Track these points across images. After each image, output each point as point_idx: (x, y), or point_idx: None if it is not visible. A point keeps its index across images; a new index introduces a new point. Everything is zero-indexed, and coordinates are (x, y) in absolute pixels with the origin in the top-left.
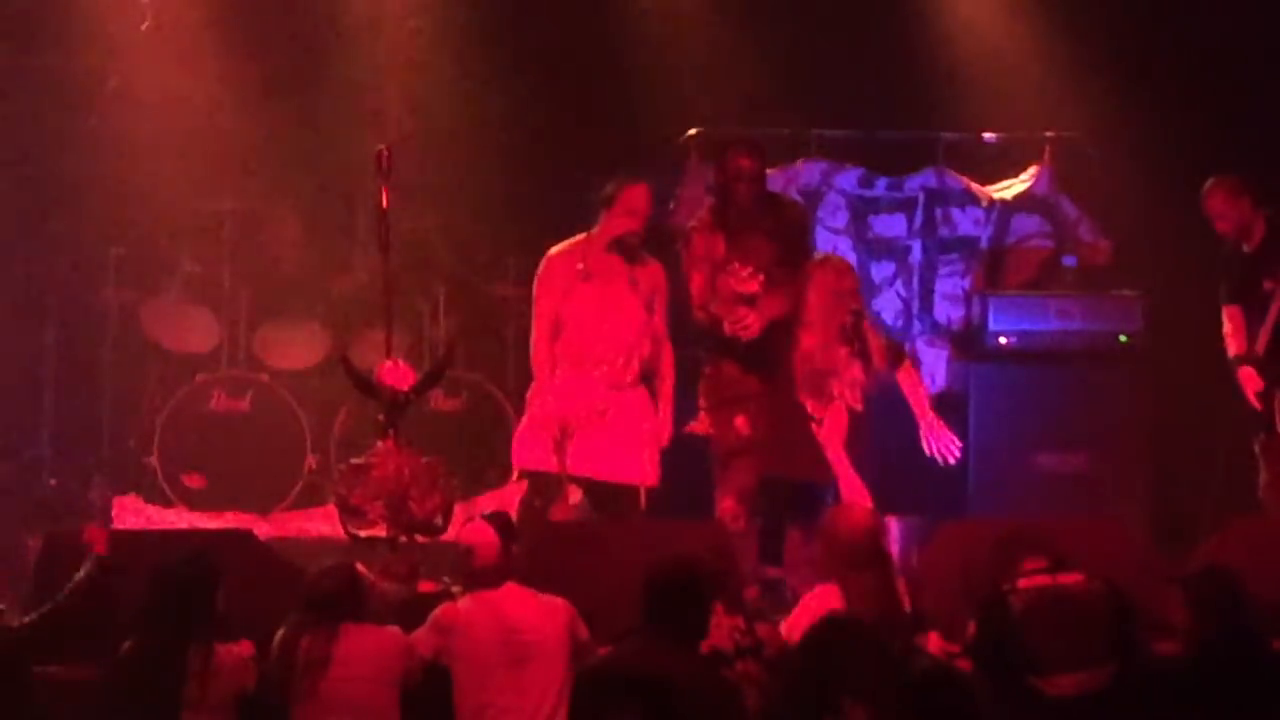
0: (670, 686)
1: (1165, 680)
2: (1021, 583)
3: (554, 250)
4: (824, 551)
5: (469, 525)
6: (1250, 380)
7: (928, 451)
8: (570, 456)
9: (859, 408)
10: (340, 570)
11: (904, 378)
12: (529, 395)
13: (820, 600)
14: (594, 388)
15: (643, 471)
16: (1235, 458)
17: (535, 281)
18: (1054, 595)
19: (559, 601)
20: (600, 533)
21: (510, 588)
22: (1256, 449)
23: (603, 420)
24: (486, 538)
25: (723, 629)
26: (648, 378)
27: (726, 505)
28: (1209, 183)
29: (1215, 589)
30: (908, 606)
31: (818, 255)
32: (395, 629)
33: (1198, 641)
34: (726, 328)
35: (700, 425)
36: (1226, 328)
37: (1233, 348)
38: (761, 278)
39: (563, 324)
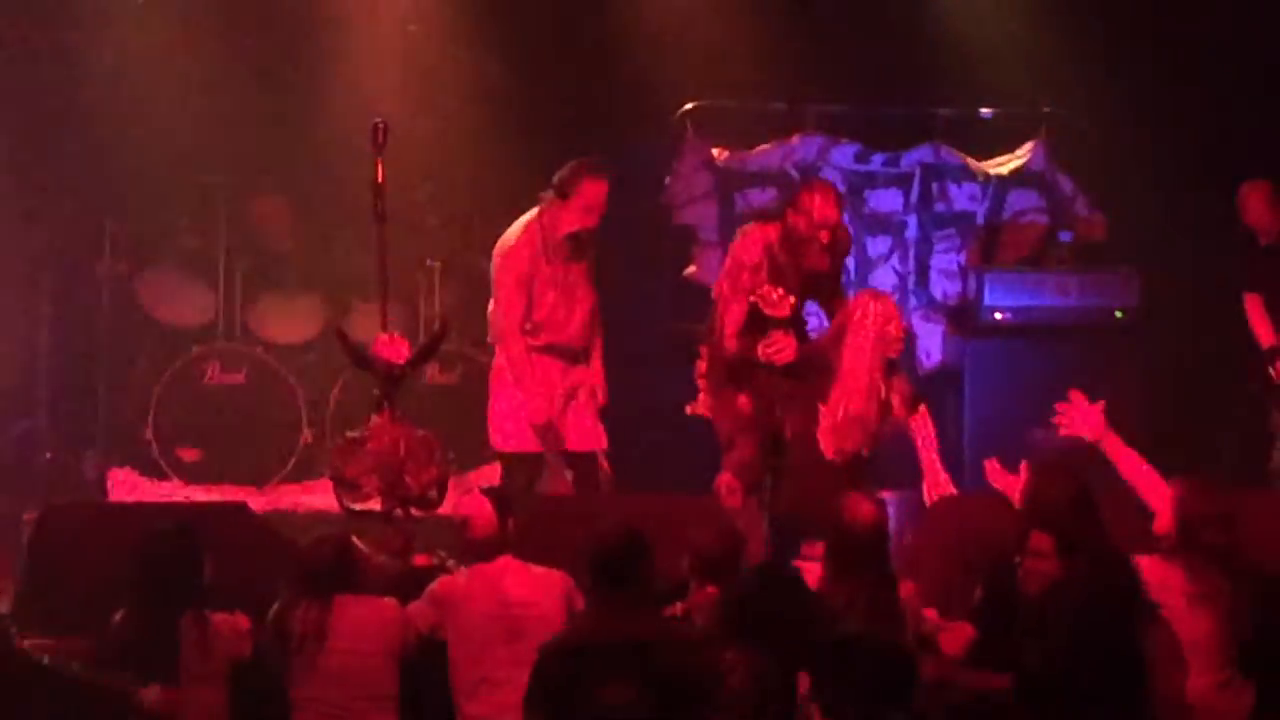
0: (650, 649)
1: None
2: (1029, 562)
3: (510, 240)
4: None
5: (467, 497)
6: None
7: (925, 499)
8: (555, 436)
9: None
10: (332, 542)
11: (918, 424)
12: (494, 376)
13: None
14: (556, 369)
15: (599, 437)
16: (1230, 432)
17: (503, 272)
18: (1054, 582)
19: (556, 574)
20: (606, 506)
21: (507, 561)
22: (1273, 426)
23: (575, 399)
24: (484, 510)
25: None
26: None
27: (724, 479)
28: (1245, 186)
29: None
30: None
31: (864, 292)
32: (391, 601)
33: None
34: (760, 352)
35: (700, 407)
36: (1251, 317)
37: (1264, 338)
38: (792, 300)
39: (534, 329)
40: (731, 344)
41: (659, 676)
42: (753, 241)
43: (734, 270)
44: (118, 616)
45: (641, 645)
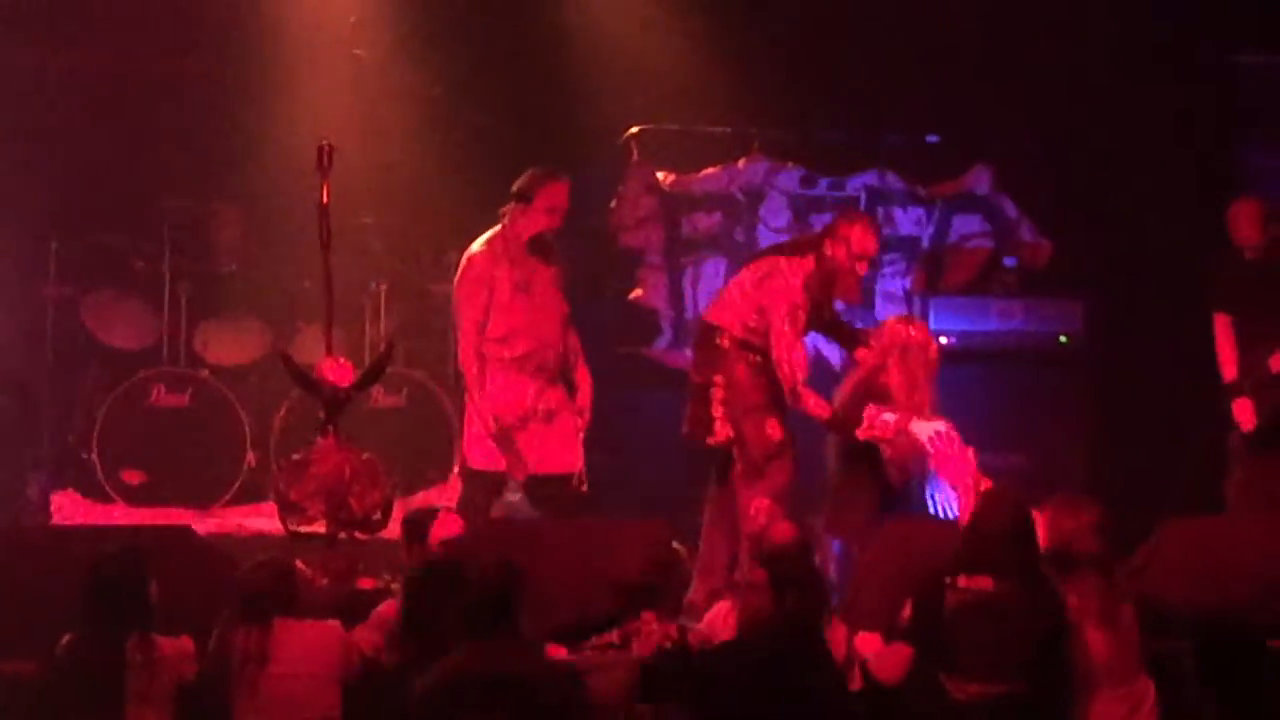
0: (522, 684)
1: None
2: (962, 581)
3: (474, 251)
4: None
5: (440, 519)
6: (1245, 413)
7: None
8: (521, 455)
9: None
10: (272, 565)
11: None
12: (467, 395)
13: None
14: (532, 386)
15: (577, 459)
16: (1174, 459)
17: (459, 283)
18: (985, 603)
19: None
20: (540, 531)
21: None
22: (1229, 447)
23: (551, 421)
24: (457, 532)
25: (653, 636)
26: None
27: (761, 504)
28: (1234, 203)
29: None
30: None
31: (897, 320)
32: (334, 623)
33: None
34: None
35: (717, 437)
36: (1218, 340)
37: (1227, 372)
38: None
39: (494, 325)
40: (804, 390)
41: (531, 713)
42: (797, 280)
43: (792, 313)
44: (65, 639)
45: (515, 680)
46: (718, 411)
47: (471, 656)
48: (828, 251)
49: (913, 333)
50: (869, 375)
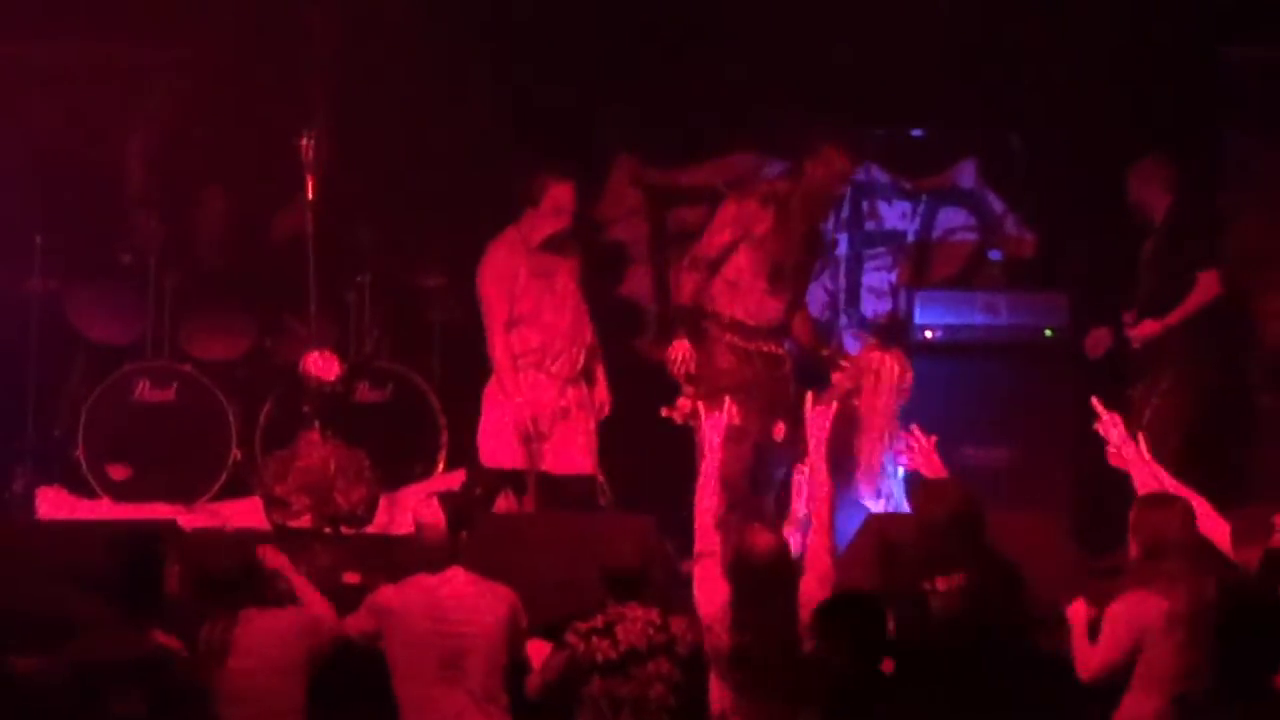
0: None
1: None
2: (940, 583)
3: (495, 245)
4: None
5: (421, 503)
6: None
7: None
8: (542, 454)
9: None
10: (233, 550)
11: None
12: (487, 392)
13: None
14: (553, 385)
15: (590, 461)
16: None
17: (482, 277)
18: (967, 599)
19: (502, 590)
20: (535, 524)
21: (453, 573)
22: None
23: (567, 419)
24: (434, 519)
25: (636, 624)
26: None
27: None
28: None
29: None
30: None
31: (873, 346)
32: (294, 609)
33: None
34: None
35: (680, 413)
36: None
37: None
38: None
39: (515, 324)
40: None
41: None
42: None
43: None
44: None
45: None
46: (687, 389)
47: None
48: (808, 171)
49: (890, 362)
50: (841, 398)
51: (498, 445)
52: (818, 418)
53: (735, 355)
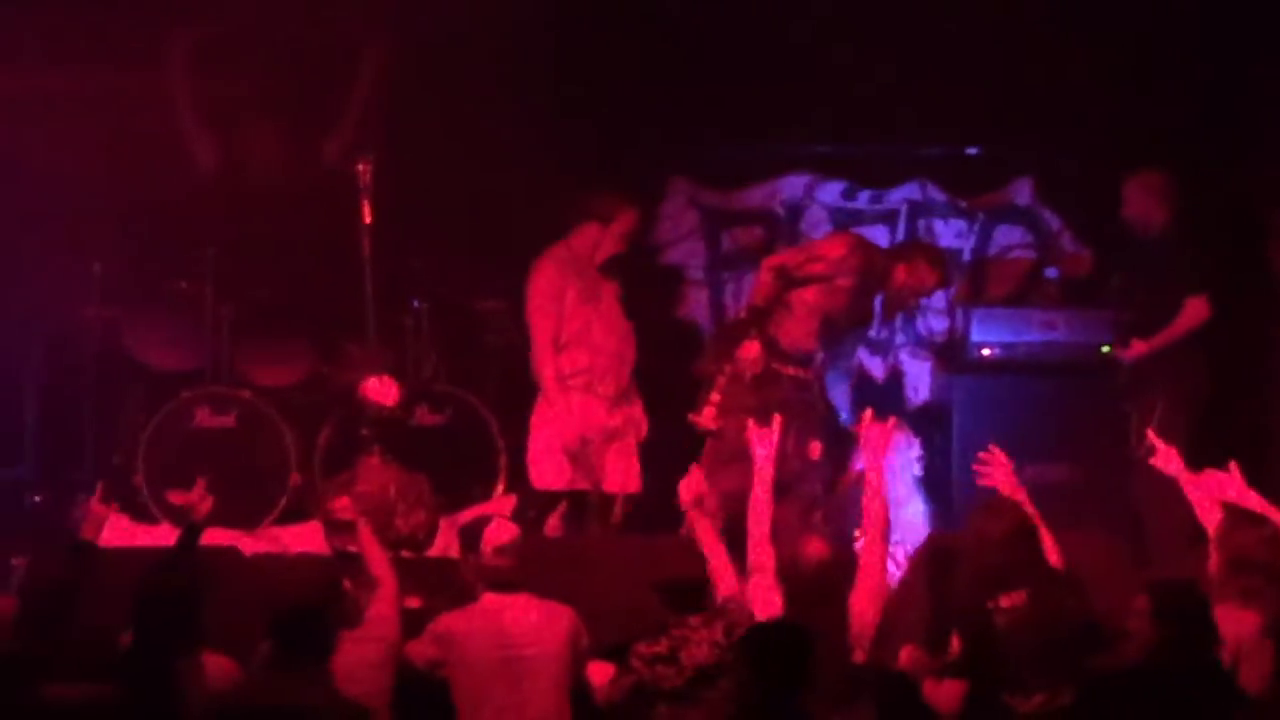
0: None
1: (1122, 695)
2: (1004, 601)
3: (544, 262)
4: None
5: (495, 524)
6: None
7: None
8: (593, 473)
9: None
10: (321, 577)
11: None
12: (535, 413)
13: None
14: (603, 406)
15: (635, 479)
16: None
17: (532, 294)
18: (1033, 615)
19: (564, 611)
20: (586, 547)
21: (517, 596)
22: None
23: (617, 439)
24: (513, 539)
25: (702, 647)
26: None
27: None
28: (1141, 172)
29: (1182, 600)
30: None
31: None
32: (383, 639)
33: (1155, 651)
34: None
35: (705, 420)
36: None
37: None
38: None
39: (565, 343)
40: None
41: None
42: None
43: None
44: (120, 659)
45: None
46: (714, 398)
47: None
48: (895, 273)
49: (893, 438)
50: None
51: (547, 467)
52: (874, 435)
53: (773, 377)
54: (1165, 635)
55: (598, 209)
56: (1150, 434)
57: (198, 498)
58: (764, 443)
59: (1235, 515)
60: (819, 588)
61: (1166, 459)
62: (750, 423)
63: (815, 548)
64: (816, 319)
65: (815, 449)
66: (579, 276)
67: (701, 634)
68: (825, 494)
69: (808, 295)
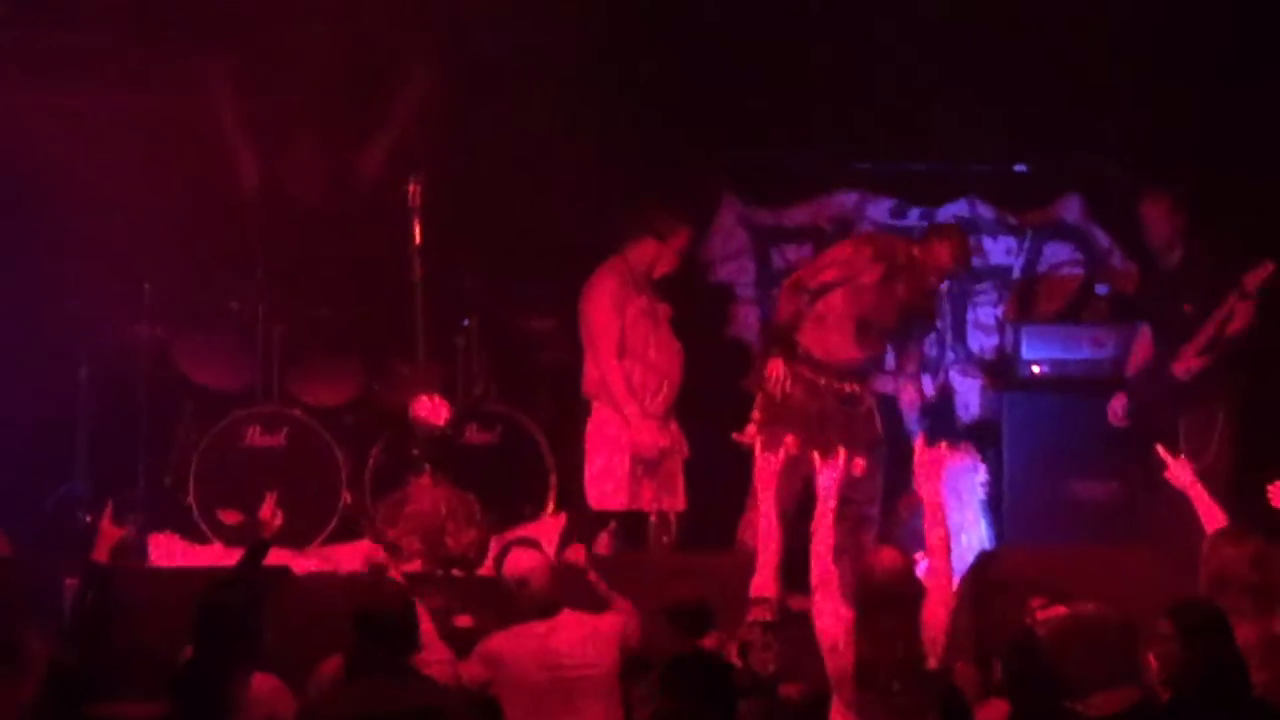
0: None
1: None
2: (1040, 614)
3: (604, 274)
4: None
5: (516, 555)
6: (1117, 407)
7: None
8: (649, 491)
9: None
10: (398, 602)
11: None
12: (589, 433)
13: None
14: (655, 424)
15: (681, 498)
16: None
17: (592, 305)
18: (1074, 622)
19: (612, 622)
20: (635, 564)
21: (563, 617)
22: None
23: (668, 458)
24: (533, 566)
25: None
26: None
27: (754, 519)
28: (1149, 193)
29: (1204, 620)
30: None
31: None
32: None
33: (1184, 672)
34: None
35: (747, 436)
36: (1137, 344)
37: (1131, 367)
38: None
39: (621, 358)
40: None
41: None
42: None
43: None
44: (176, 677)
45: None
46: (755, 416)
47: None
48: (916, 253)
49: (960, 461)
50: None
51: (607, 487)
52: (928, 461)
53: (803, 387)
54: (1191, 656)
55: (655, 225)
56: (1160, 449)
57: (269, 514)
58: (829, 467)
59: (1221, 532)
60: (892, 596)
61: (1179, 472)
62: (814, 452)
63: (889, 557)
64: (850, 324)
65: (859, 465)
66: (638, 292)
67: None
68: (879, 514)
69: (835, 301)
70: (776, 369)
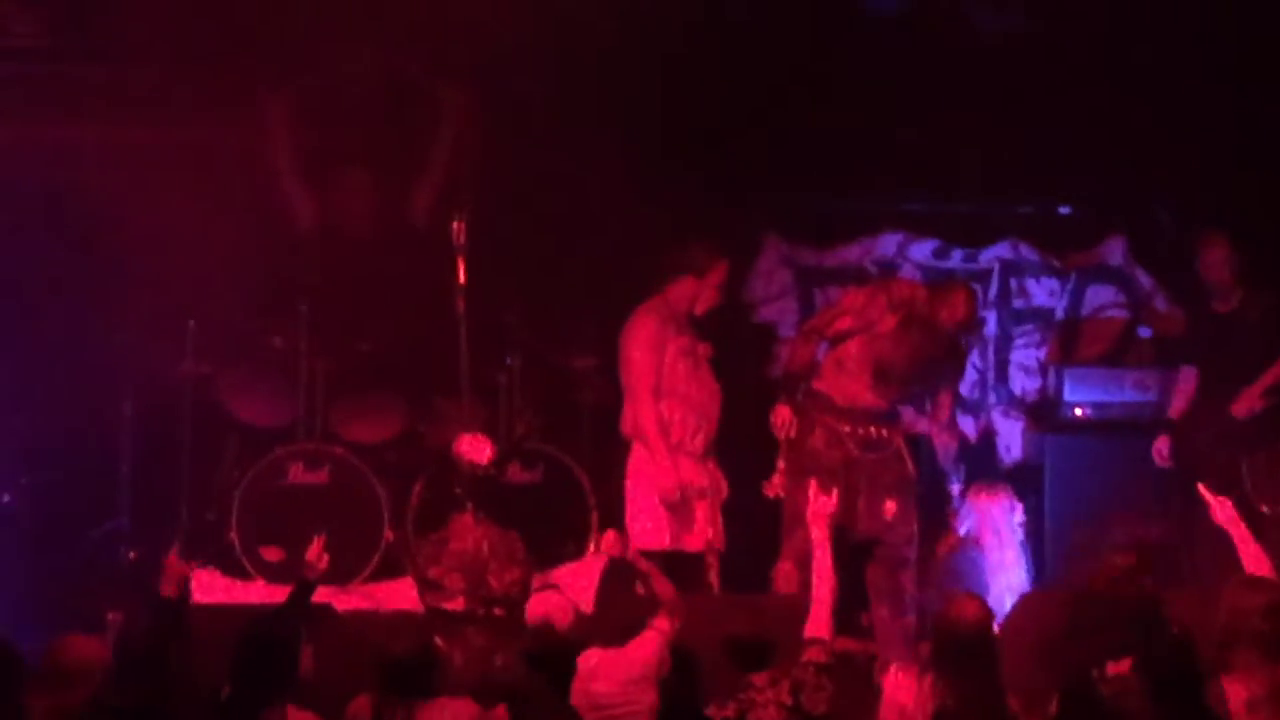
0: None
1: None
2: (1110, 669)
3: (644, 314)
4: (932, 638)
5: (538, 597)
6: (1162, 448)
7: None
8: (687, 531)
9: None
10: (416, 644)
11: None
12: (631, 470)
13: (895, 686)
14: (695, 463)
15: (720, 537)
16: None
17: (631, 343)
18: (1140, 684)
19: (644, 652)
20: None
21: (592, 654)
22: None
23: (706, 498)
24: (559, 605)
25: (768, 710)
26: None
27: (784, 568)
28: (1210, 236)
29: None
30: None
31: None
32: (468, 701)
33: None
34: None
35: (774, 488)
36: (1181, 386)
37: (1176, 409)
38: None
39: (660, 397)
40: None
41: None
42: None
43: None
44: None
45: None
46: (780, 465)
47: None
48: (934, 306)
49: (999, 501)
50: (961, 542)
51: (648, 525)
52: (982, 503)
53: (826, 435)
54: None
55: (691, 262)
56: (1201, 488)
57: (315, 556)
58: (816, 505)
59: (1240, 579)
60: (972, 648)
61: (1222, 512)
62: (811, 486)
63: (972, 609)
64: (868, 371)
65: (890, 508)
66: (678, 332)
67: (767, 695)
68: (916, 556)
69: (852, 349)
70: (783, 415)
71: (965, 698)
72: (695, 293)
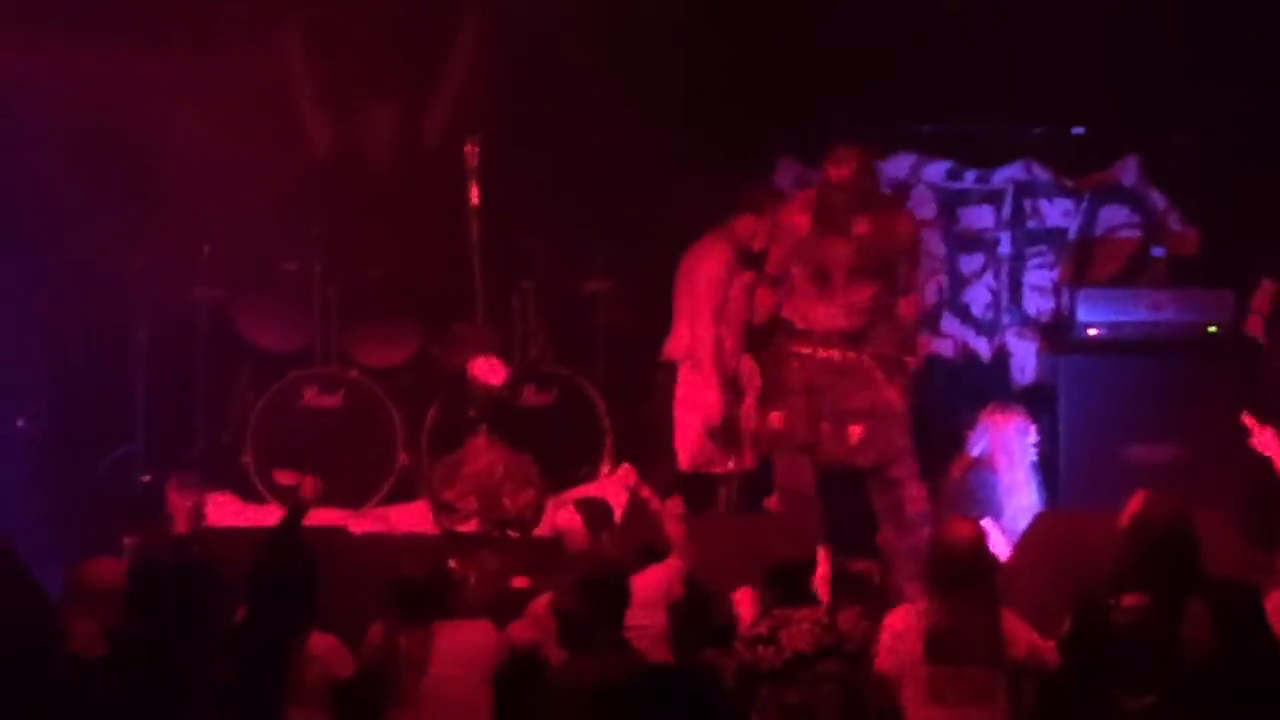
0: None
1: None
2: (1126, 600)
3: (715, 244)
4: (928, 564)
5: (561, 512)
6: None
7: None
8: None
9: None
10: (429, 566)
11: None
12: (681, 393)
13: (899, 621)
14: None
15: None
16: None
17: (699, 271)
18: (1153, 620)
19: (656, 578)
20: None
21: None
22: None
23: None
24: (574, 524)
25: (803, 626)
26: None
27: (771, 501)
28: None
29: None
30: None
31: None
32: (486, 623)
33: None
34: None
35: (747, 420)
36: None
37: (1253, 325)
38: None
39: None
40: None
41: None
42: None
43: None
44: (232, 635)
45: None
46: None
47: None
48: (829, 171)
49: (1012, 422)
50: (975, 463)
51: (698, 448)
52: (997, 423)
53: (799, 362)
54: (1223, 640)
55: (754, 200)
56: (1245, 415)
57: (308, 484)
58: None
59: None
60: (967, 569)
61: (1262, 439)
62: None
63: (964, 529)
64: (810, 282)
65: (855, 433)
66: (744, 267)
67: (803, 613)
68: (914, 474)
69: (792, 268)
70: (746, 364)
71: (958, 618)
72: (755, 228)
